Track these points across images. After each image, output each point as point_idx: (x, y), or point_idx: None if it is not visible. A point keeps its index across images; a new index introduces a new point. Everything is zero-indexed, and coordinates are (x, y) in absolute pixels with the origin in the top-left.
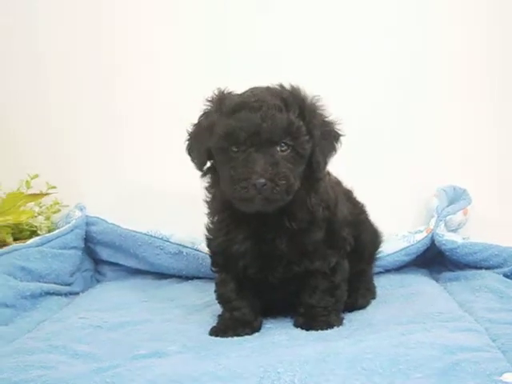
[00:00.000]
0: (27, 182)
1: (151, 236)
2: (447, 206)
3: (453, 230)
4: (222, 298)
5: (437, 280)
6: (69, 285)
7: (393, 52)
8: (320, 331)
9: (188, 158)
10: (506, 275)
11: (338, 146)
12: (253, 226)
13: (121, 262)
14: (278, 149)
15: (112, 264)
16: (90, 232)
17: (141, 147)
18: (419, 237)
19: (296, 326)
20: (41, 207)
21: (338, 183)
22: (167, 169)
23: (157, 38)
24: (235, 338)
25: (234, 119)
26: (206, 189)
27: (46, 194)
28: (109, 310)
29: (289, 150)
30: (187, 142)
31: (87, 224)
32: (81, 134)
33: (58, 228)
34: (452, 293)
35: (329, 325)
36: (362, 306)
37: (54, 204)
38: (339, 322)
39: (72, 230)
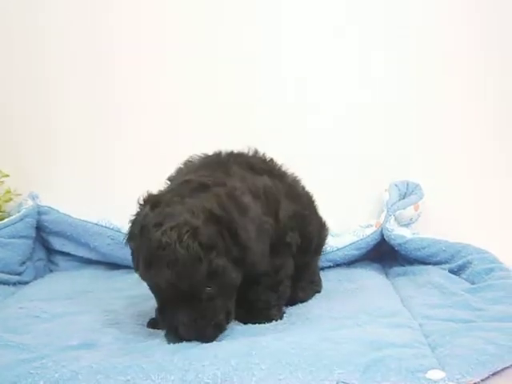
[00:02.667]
0: None
1: (102, 226)
2: (398, 200)
3: (405, 225)
4: None
5: (387, 274)
6: (18, 274)
7: (343, 48)
8: (257, 325)
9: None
10: (452, 271)
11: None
12: None
13: (72, 252)
14: (204, 293)
15: (64, 254)
16: (42, 221)
17: (94, 137)
18: (369, 231)
19: (236, 318)
20: None
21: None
22: (119, 161)
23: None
24: None
25: (152, 273)
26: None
27: None
28: (51, 300)
29: (215, 290)
30: (127, 235)
31: (39, 213)
32: (34, 122)
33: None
34: (397, 288)
35: (269, 318)
36: (303, 300)
37: (6, 193)
38: (279, 316)
39: (22, 219)
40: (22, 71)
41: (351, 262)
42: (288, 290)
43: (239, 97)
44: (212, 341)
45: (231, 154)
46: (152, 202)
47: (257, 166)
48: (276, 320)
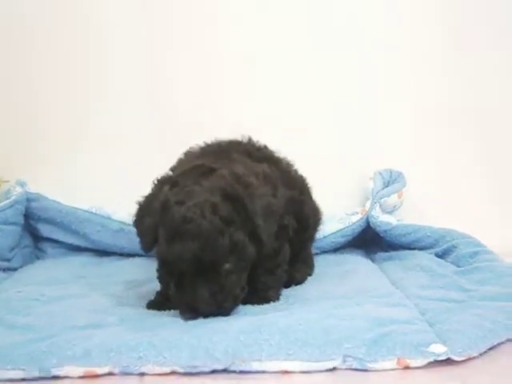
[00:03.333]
0: None
1: (92, 213)
2: (382, 188)
3: (388, 212)
4: (161, 277)
5: (372, 260)
6: (7, 260)
7: (327, 32)
8: (256, 306)
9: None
10: (437, 255)
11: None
12: None
13: (61, 239)
14: (223, 269)
15: (52, 241)
16: (30, 208)
17: (84, 123)
18: (355, 218)
19: None
20: None
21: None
22: (111, 148)
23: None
24: (171, 312)
25: (175, 247)
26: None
27: None
28: (47, 284)
29: (234, 264)
30: (136, 217)
31: (28, 200)
32: (22, 107)
33: None
34: (385, 271)
35: (266, 300)
36: (299, 282)
37: None
38: (276, 297)
39: (12, 206)
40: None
41: (337, 249)
42: (285, 274)
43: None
44: (229, 314)
45: (230, 143)
46: (171, 183)
47: (254, 154)
48: (273, 301)
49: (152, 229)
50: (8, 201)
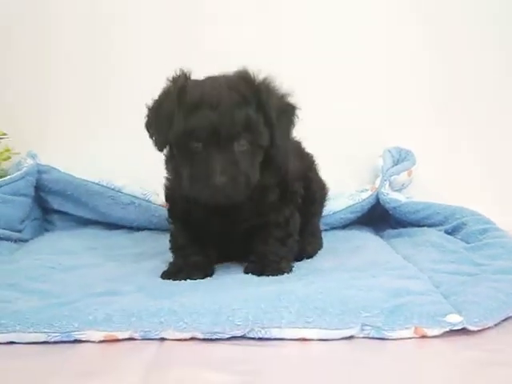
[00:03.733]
0: None
1: (103, 186)
2: (392, 166)
3: (397, 190)
4: (175, 246)
5: (381, 237)
6: (18, 231)
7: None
8: (271, 276)
9: None
10: (447, 232)
11: (295, 119)
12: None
13: (71, 212)
14: (237, 145)
15: (61, 213)
16: (41, 180)
17: (95, 96)
18: (364, 195)
19: (246, 272)
20: None
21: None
22: (123, 121)
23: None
24: (188, 281)
25: (193, 117)
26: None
27: None
28: (61, 254)
29: (248, 145)
30: (146, 118)
31: (39, 172)
32: (31, 82)
33: (9, 175)
34: (395, 247)
35: (279, 271)
36: (310, 255)
37: (5, 151)
38: (289, 269)
39: (23, 177)
40: (18, 33)
41: (345, 226)
42: (296, 245)
43: None
44: (242, 194)
45: None
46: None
47: None
48: (287, 273)
49: (168, 117)
50: (19, 172)
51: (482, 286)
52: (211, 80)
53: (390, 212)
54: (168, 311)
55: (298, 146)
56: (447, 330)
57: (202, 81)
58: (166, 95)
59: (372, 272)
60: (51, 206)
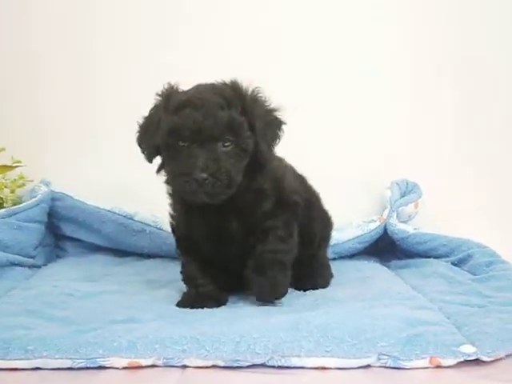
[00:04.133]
0: None
1: (115, 213)
2: (399, 198)
3: (404, 221)
4: (187, 277)
5: (387, 267)
6: (32, 257)
7: (342, 45)
8: (288, 305)
9: None
10: (453, 263)
11: (281, 133)
12: (205, 213)
13: (83, 238)
14: (221, 145)
15: (73, 240)
16: (54, 207)
17: (107, 125)
18: (373, 226)
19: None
20: (6, 180)
21: (290, 167)
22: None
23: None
24: (204, 310)
25: (178, 116)
26: (166, 183)
27: (12, 168)
28: (77, 280)
29: (231, 146)
30: (137, 135)
31: (52, 199)
32: (48, 108)
33: (23, 202)
34: (403, 277)
35: (277, 294)
36: (323, 286)
37: (19, 178)
38: (287, 279)
39: (38, 204)
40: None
41: (353, 255)
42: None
43: None
44: (223, 192)
45: None
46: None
47: None
48: (285, 290)
49: (156, 123)
50: (34, 199)
51: (492, 318)
52: (197, 86)
53: (398, 243)
54: (190, 339)
55: (301, 178)
56: (462, 360)
57: (189, 88)
58: (154, 108)
59: (385, 302)
60: (63, 232)
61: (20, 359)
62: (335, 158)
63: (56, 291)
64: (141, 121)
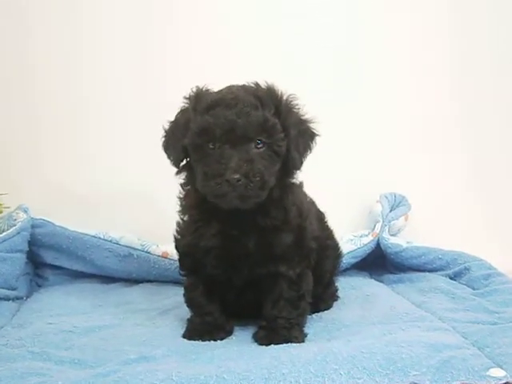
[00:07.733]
0: None
1: (100, 238)
2: (390, 211)
3: (393, 235)
4: (191, 302)
5: (381, 282)
6: (14, 289)
7: (331, 59)
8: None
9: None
10: (449, 277)
11: (313, 145)
12: (223, 223)
13: (65, 266)
14: (253, 146)
15: (54, 267)
16: (34, 234)
17: (86, 147)
18: (365, 240)
19: (255, 339)
20: None
21: (313, 203)
22: (115, 170)
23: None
24: (217, 342)
25: (210, 116)
26: (181, 185)
27: None
28: (69, 314)
29: (264, 148)
30: (163, 139)
31: (32, 226)
32: (21, 134)
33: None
34: (401, 293)
35: (289, 340)
36: (326, 307)
37: None
38: (301, 339)
39: (18, 233)
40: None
41: (344, 270)
42: (308, 308)
43: None
44: (256, 195)
45: None
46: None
47: None
48: (298, 342)
49: (185, 125)
50: (14, 228)
51: (510, 337)
52: (229, 86)
53: (391, 257)
54: (217, 379)
55: (320, 216)
56: None
57: (220, 89)
58: (181, 111)
59: (398, 325)
60: (44, 260)
61: None
62: (321, 171)
63: (53, 329)
64: (167, 126)
